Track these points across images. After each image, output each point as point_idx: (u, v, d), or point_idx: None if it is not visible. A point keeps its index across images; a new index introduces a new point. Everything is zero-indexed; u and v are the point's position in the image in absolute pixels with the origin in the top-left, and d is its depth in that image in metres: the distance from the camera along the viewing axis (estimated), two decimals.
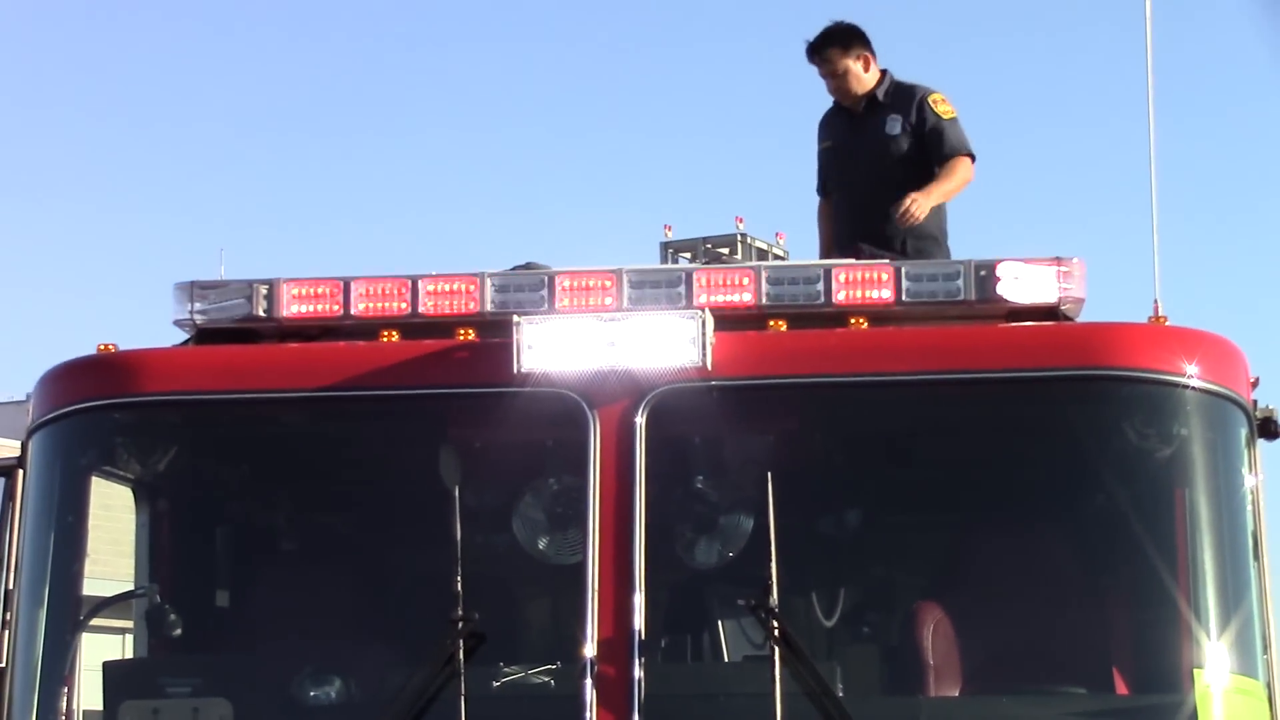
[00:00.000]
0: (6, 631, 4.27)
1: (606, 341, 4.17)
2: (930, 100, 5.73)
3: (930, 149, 5.59)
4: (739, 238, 5.63)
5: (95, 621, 4.54)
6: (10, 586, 4.35)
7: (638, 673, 3.96)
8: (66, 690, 4.30)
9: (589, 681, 3.94)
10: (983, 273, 4.23)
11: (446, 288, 4.44)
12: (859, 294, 4.31)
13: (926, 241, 5.55)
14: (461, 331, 4.41)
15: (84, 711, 4.39)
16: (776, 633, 3.86)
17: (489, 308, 4.41)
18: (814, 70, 5.95)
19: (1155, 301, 4.38)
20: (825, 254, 5.42)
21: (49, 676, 4.29)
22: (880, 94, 5.70)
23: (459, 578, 3.97)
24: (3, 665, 4.25)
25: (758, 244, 5.63)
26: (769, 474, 3.97)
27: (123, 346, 4.56)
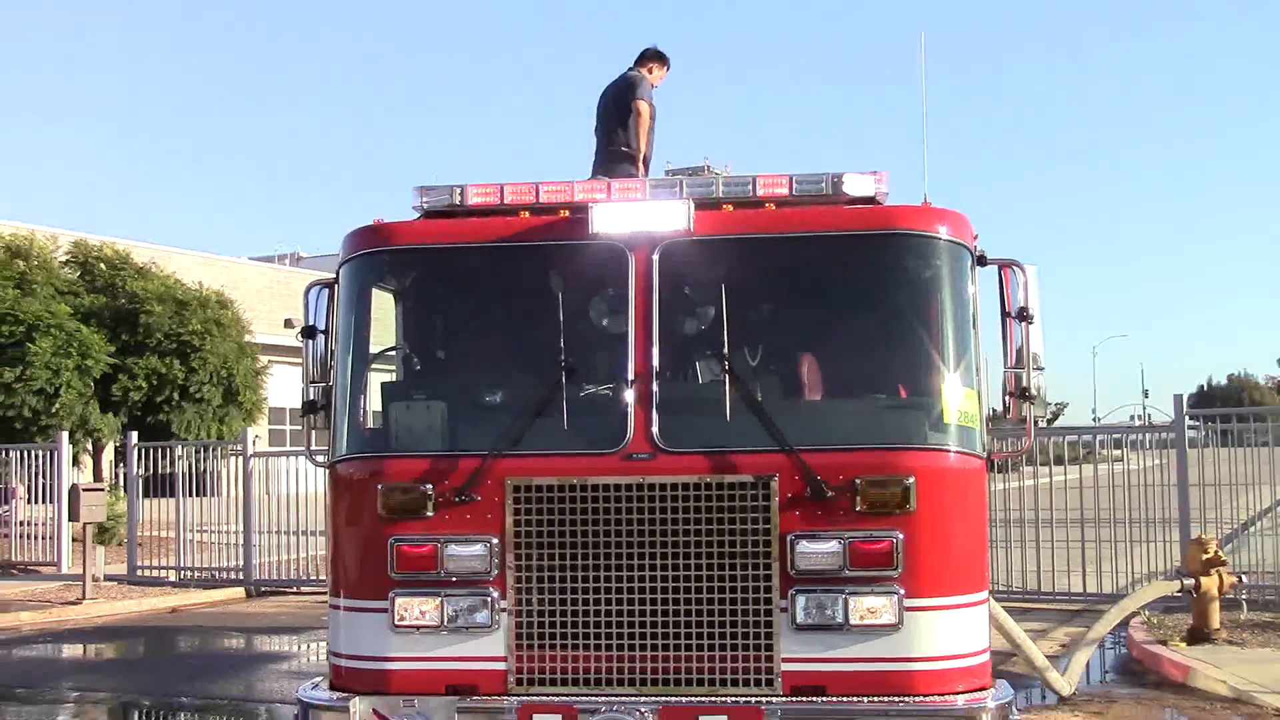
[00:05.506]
0: (333, 368, 5.60)
1: (638, 216, 5.36)
2: None
3: None
4: (707, 167, 7.23)
5: (376, 365, 5.80)
6: (334, 348, 5.64)
7: (655, 387, 5.13)
8: (363, 398, 5.62)
9: (630, 392, 5.14)
10: (836, 179, 5.43)
11: (555, 188, 5.55)
12: (771, 191, 5.46)
13: None
14: (563, 211, 5.51)
15: (371, 411, 5.72)
16: (726, 366, 5.17)
17: (577, 198, 5.49)
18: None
19: (925, 196, 5.55)
20: None
21: (354, 392, 5.59)
22: None
23: (562, 339, 5.26)
24: (332, 385, 5.61)
25: (715, 170, 7.10)
26: (723, 285, 5.32)
27: (386, 219, 5.72)
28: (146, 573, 19.27)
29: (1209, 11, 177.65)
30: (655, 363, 5.16)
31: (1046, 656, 8.95)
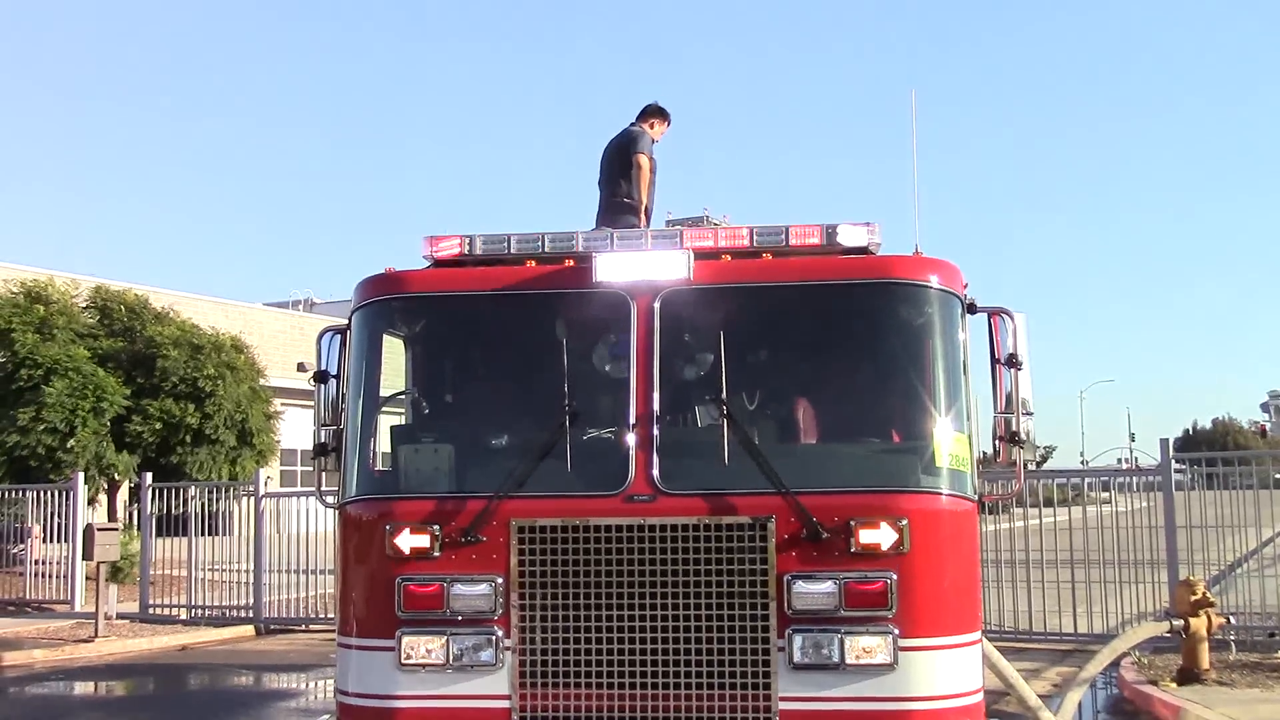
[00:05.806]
0: (344, 411, 5.63)
1: (640, 265, 5.43)
2: None
3: None
4: (706, 217, 7.23)
5: (386, 408, 5.82)
6: (345, 391, 5.68)
7: (656, 431, 5.16)
8: (373, 441, 5.61)
9: (631, 436, 5.17)
10: (830, 230, 5.50)
11: (560, 237, 5.65)
12: (768, 241, 5.51)
13: None
14: (568, 260, 5.59)
15: (381, 453, 5.68)
16: (725, 410, 5.14)
17: (581, 248, 5.59)
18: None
19: (916, 246, 5.70)
20: None
21: (364, 435, 5.60)
22: None
23: (566, 383, 5.26)
24: (343, 428, 5.60)
25: (714, 221, 7.10)
26: (721, 332, 5.31)
27: (397, 268, 5.82)
28: (158, 611, 19.14)
29: (1202, 63, 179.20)
30: (656, 407, 5.17)
31: (1039, 696, 8.83)
